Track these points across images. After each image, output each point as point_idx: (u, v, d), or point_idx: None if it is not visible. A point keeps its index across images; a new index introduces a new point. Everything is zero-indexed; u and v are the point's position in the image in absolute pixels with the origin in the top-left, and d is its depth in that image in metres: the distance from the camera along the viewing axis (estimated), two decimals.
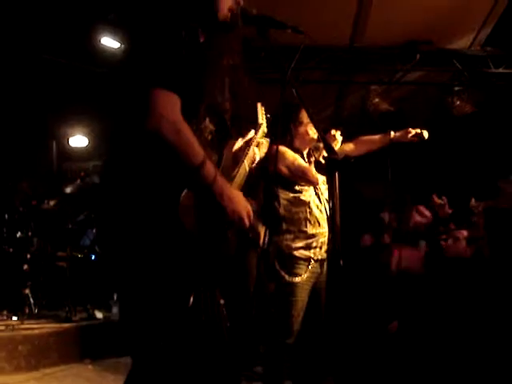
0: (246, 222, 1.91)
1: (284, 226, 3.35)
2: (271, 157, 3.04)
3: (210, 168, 1.78)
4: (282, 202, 3.37)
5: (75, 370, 4.68)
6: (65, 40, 6.19)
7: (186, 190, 1.76)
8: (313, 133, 3.39)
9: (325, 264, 3.38)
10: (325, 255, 3.35)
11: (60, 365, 4.72)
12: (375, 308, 4.51)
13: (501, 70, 6.63)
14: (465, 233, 4.04)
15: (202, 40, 1.93)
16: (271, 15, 1.99)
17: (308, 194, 3.37)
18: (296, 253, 3.31)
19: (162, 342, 1.81)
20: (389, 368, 3.91)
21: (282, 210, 3.37)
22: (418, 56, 6.38)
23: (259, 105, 2.73)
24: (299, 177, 3.32)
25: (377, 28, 5.98)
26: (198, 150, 1.75)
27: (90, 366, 4.81)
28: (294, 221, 3.35)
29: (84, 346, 5.01)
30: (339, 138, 3.36)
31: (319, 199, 3.38)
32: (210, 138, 1.93)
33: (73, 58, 6.46)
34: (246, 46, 2.11)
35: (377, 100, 7.03)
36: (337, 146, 3.33)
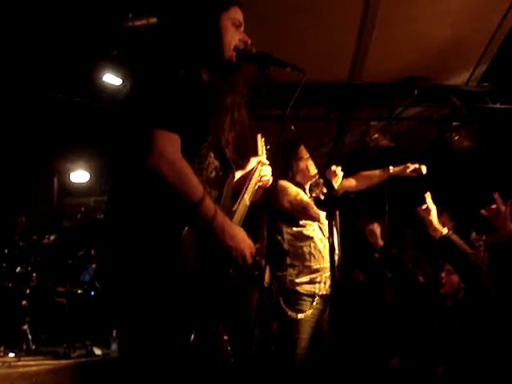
0: (249, 259, 1.91)
1: (288, 261, 3.35)
2: (273, 192, 3.06)
3: (209, 205, 1.79)
4: (286, 236, 3.37)
5: None
6: (67, 76, 6.26)
7: (186, 228, 1.76)
8: (313, 168, 3.42)
9: (328, 300, 3.35)
10: (329, 290, 3.33)
11: None
12: (376, 343, 4.47)
13: (498, 106, 6.71)
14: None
15: (205, 78, 1.96)
16: (270, 53, 2.03)
17: (312, 228, 3.37)
18: (300, 288, 3.30)
19: (162, 379, 1.79)
20: None
21: (285, 245, 3.37)
22: (416, 92, 6.46)
23: (259, 136, 2.77)
24: (301, 212, 3.32)
25: (375, 65, 6.07)
26: (196, 188, 1.77)
27: None
28: (298, 255, 3.34)
29: (82, 383, 4.93)
30: (340, 173, 3.37)
31: (323, 233, 3.38)
32: (213, 174, 1.94)
33: (75, 94, 6.53)
34: (249, 84, 2.14)
35: (376, 136, 7.08)
36: (337, 182, 3.34)
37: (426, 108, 7.04)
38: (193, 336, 1.80)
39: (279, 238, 3.38)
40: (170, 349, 1.80)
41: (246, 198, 2.23)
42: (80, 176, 8.63)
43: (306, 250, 3.34)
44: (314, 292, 3.30)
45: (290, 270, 3.33)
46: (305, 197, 3.37)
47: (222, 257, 1.88)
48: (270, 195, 2.89)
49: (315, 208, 3.24)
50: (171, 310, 1.77)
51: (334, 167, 3.37)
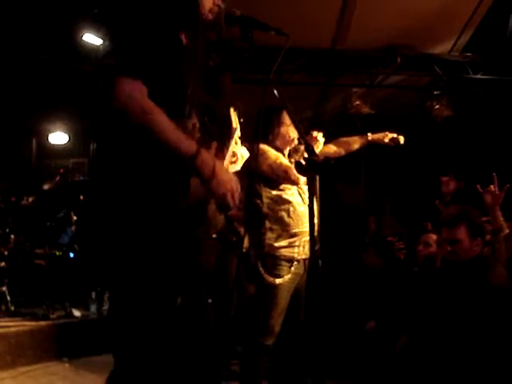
0: (230, 200, 1.88)
1: (267, 225, 3.31)
2: (253, 156, 3.06)
3: (190, 143, 1.78)
4: (265, 200, 3.35)
5: (52, 368, 4.64)
6: (46, 36, 6.13)
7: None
8: (293, 134, 3.41)
9: (307, 264, 3.36)
10: (308, 254, 3.31)
11: (36, 363, 4.67)
12: (353, 307, 4.54)
13: (479, 76, 6.74)
14: (434, 236, 4.05)
15: (184, 39, 1.93)
16: (254, 16, 2.01)
17: (290, 192, 3.36)
18: (278, 253, 3.28)
19: (148, 341, 1.81)
20: (367, 367, 3.94)
21: (265, 209, 3.35)
22: (398, 60, 6.45)
23: (232, 110, 2.76)
24: (281, 176, 3.32)
25: (359, 32, 6.04)
26: (171, 127, 1.75)
27: (67, 365, 4.77)
28: (277, 219, 3.32)
29: (61, 345, 4.97)
30: (321, 139, 3.36)
31: (301, 198, 3.40)
32: (198, 135, 1.93)
33: (54, 54, 6.40)
34: (229, 46, 2.12)
35: (358, 102, 7.09)
36: (318, 147, 3.35)
37: (407, 76, 7.04)
38: (180, 299, 1.82)
39: (258, 201, 3.36)
40: (157, 312, 1.80)
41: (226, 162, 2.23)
42: (59, 137, 8.54)
43: (284, 213, 3.33)
44: (293, 257, 3.30)
45: (269, 234, 3.30)
46: (284, 160, 3.37)
47: (203, 221, 1.89)
48: (249, 159, 2.90)
49: (295, 171, 3.24)
50: (158, 273, 1.77)
51: (315, 133, 3.36)
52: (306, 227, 3.34)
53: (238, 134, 2.49)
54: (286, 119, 3.41)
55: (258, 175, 3.29)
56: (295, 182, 3.32)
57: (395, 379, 3.43)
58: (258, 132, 2.69)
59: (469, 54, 6.73)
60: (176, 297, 1.83)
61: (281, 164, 3.31)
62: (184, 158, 1.77)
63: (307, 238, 3.32)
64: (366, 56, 6.59)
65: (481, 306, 2.92)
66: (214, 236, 1.97)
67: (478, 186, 3.34)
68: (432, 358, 3.04)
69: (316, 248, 2.53)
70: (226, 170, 1.97)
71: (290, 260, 3.31)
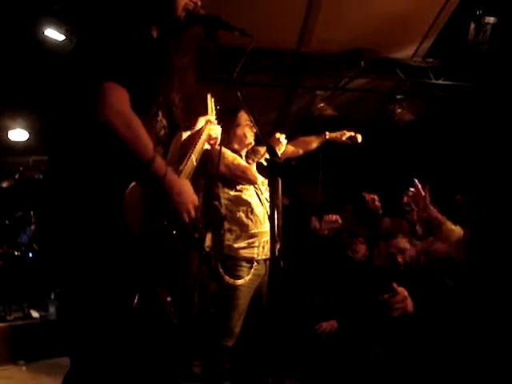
0: (193, 215, 1.93)
1: (226, 226, 3.32)
2: (211, 157, 3.07)
3: (159, 161, 1.80)
4: (223, 201, 3.35)
5: (8, 371, 4.55)
6: (6, 30, 6.00)
7: (130, 187, 1.74)
8: (250, 135, 3.43)
9: (267, 264, 3.37)
10: (268, 255, 3.33)
11: None
12: (312, 308, 4.57)
13: (441, 82, 6.87)
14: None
15: (154, 36, 1.93)
16: (219, 16, 2.00)
17: (249, 193, 3.37)
18: (238, 254, 3.29)
19: (103, 342, 1.78)
20: (330, 367, 3.97)
21: (223, 210, 3.35)
22: (362, 63, 6.52)
23: (209, 96, 2.77)
24: (239, 176, 3.33)
25: (323, 35, 6.08)
26: (148, 143, 1.77)
27: (24, 368, 4.68)
28: (236, 220, 3.33)
29: (18, 347, 4.87)
30: (284, 141, 3.38)
31: (259, 198, 3.41)
32: (162, 132, 1.93)
33: (15, 49, 6.27)
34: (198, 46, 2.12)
35: (321, 105, 7.15)
36: (281, 149, 3.37)
37: (371, 80, 7.13)
38: (136, 299, 1.80)
39: (216, 203, 3.36)
40: (112, 312, 1.79)
41: (193, 158, 2.23)
42: (19, 134, 8.35)
43: (243, 214, 3.34)
44: (252, 257, 3.31)
45: (228, 235, 3.30)
46: (242, 161, 3.38)
47: (166, 216, 1.88)
48: (206, 160, 2.92)
49: (253, 171, 3.27)
50: (113, 273, 1.76)
51: (278, 135, 3.38)
52: (265, 227, 3.36)
53: (213, 118, 2.52)
54: (243, 120, 3.42)
55: (215, 177, 3.29)
56: (253, 182, 3.34)
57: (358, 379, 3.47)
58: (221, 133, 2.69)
59: (431, 60, 6.85)
60: (132, 296, 1.81)
61: (238, 164, 3.33)
62: (143, 168, 1.77)
63: (267, 238, 3.35)
64: (330, 59, 6.64)
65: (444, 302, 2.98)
66: (175, 232, 1.95)
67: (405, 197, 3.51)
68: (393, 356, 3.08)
69: (278, 248, 2.55)
70: (185, 184, 1.98)
71: (250, 261, 3.32)
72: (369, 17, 5.85)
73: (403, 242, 3.38)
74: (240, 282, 3.28)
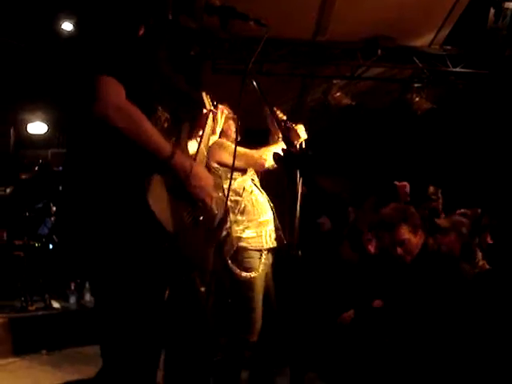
0: (214, 196, 1.94)
1: (232, 218, 3.23)
2: (213, 150, 3.09)
3: (165, 145, 1.78)
4: (227, 192, 3.18)
5: (30, 361, 4.61)
6: (25, 24, 6.05)
7: (154, 177, 1.74)
8: (233, 129, 3.38)
9: (273, 254, 3.33)
10: (274, 244, 3.31)
11: (15, 356, 4.65)
12: (330, 297, 4.56)
13: (458, 69, 6.80)
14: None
15: (142, 32, 1.90)
16: (235, 7, 2.00)
17: (248, 183, 3.33)
18: (248, 244, 3.22)
19: (136, 332, 1.76)
20: (346, 356, 3.97)
21: (228, 201, 3.29)
22: (379, 52, 6.47)
23: (204, 94, 2.79)
24: (249, 161, 3.30)
25: (340, 23, 6.05)
26: (155, 134, 1.74)
27: (45, 357, 4.75)
28: (242, 210, 3.26)
29: (40, 337, 4.94)
30: (303, 134, 3.33)
31: (258, 188, 3.37)
32: (166, 125, 1.91)
33: (33, 42, 6.32)
34: (210, 36, 2.11)
35: (338, 94, 7.11)
36: (299, 141, 3.33)
37: (388, 68, 7.07)
38: (167, 293, 1.80)
39: (220, 194, 3.28)
40: (144, 304, 1.76)
41: (203, 147, 2.23)
42: (37, 127, 8.43)
43: (248, 203, 3.27)
44: (262, 246, 3.25)
45: (235, 227, 3.22)
46: (243, 149, 3.28)
47: (192, 205, 1.88)
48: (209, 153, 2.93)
49: (259, 155, 3.26)
50: (141, 266, 1.74)
51: (297, 127, 3.34)
52: (269, 216, 3.32)
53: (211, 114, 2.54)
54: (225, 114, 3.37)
55: (218, 169, 3.26)
56: (262, 164, 3.31)
57: (372, 370, 3.46)
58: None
59: (449, 47, 6.77)
60: (163, 287, 1.81)
61: (245, 152, 3.27)
62: (159, 160, 1.76)
63: (272, 226, 3.33)
64: (346, 48, 6.60)
65: (455, 295, 2.97)
66: (202, 218, 1.96)
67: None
68: (412, 350, 3.07)
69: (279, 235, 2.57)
70: (203, 169, 1.98)
71: (260, 250, 3.26)
72: (386, 4, 5.79)
73: (406, 232, 3.30)
74: (254, 274, 3.21)
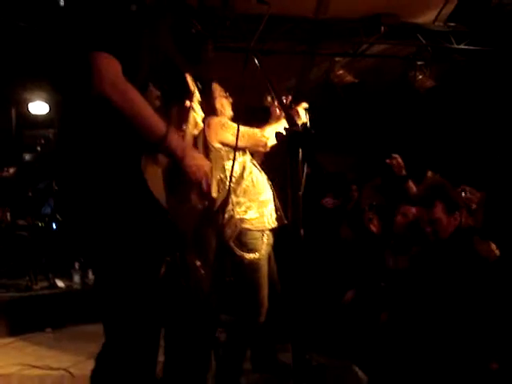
0: (209, 175, 1.95)
1: (234, 199, 3.21)
2: (215, 130, 3.06)
3: (161, 124, 1.77)
4: (228, 173, 3.21)
5: (36, 338, 4.67)
6: (26, 2, 5.99)
7: (146, 157, 1.74)
8: (228, 107, 3.34)
9: (274, 234, 3.31)
10: (276, 223, 3.30)
11: (20, 334, 4.69)
12: (332, 276, 4.58)
13: (462, 46, 6.73)
14: (413, 209, 4.03)
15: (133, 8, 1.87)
16: None
17: (248, 164, 3.31)
18: (251, 225, 3.21)
19: (135, 309, 1.79)
20: (347, 336, 4.00)
21: (230, 182, 3.22)
22: (382, 29, 6.40)
23: (188, 75, 2.76)
24: (251, 140, 3.26)
25: (342, 0, 5.97)
26: (151, 113, 1.74)
27: (51, 335, 4.80)
28: (243, 190, 3.24)
29: (45, 315, 4.98)
30: (303, 115, 3.28)
31: (257, 168, 3.35)
32: (157, 103, 1.89)
33: (32, 20, 6.25)
34: (211, 14, 2.09)
35: (341, 72, 7.05)
36: (301, 120, 3.30)
37: (391, 46, 7.00)
38: (163, 269, 1.81)
39: (222, 176, 3.22)
40: (141, 279, 1.79)
41: (190, 127, 2.21)
42: (39, 107, 8.40)
43: (249, 183, 3.25)
44: (264, 227, 3.24)
45: (237, 209, 3.19)
46: (245, 128, 3.25)
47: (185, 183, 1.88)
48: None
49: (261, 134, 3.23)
50: (138, 242, 1.76)
51: (298, 107, 3.31)
52: (268, 195, 3.30)
53: (197, 98, 2.50)
54: (217, 93, 3.34)
55: (220, 149, 3.24)
56: (265, 144, 3.27)
57: (375, 350, 3.48)
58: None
59: (453, 24, 6.69)
60: (159, 262, 1.82)
61: (246, 130, 3.23)
62: (155, 138, 1.75)
63: (272, 206, 3.31)
64: (349, 25, 6.53)
65: (471, 279, 2.91)
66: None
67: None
68: (415, 332, 3.06)
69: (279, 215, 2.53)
70: (198, 154, 1.98)
71: (261, 230, 3.24)
72: None
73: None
74: (258, 255, 3.20)
